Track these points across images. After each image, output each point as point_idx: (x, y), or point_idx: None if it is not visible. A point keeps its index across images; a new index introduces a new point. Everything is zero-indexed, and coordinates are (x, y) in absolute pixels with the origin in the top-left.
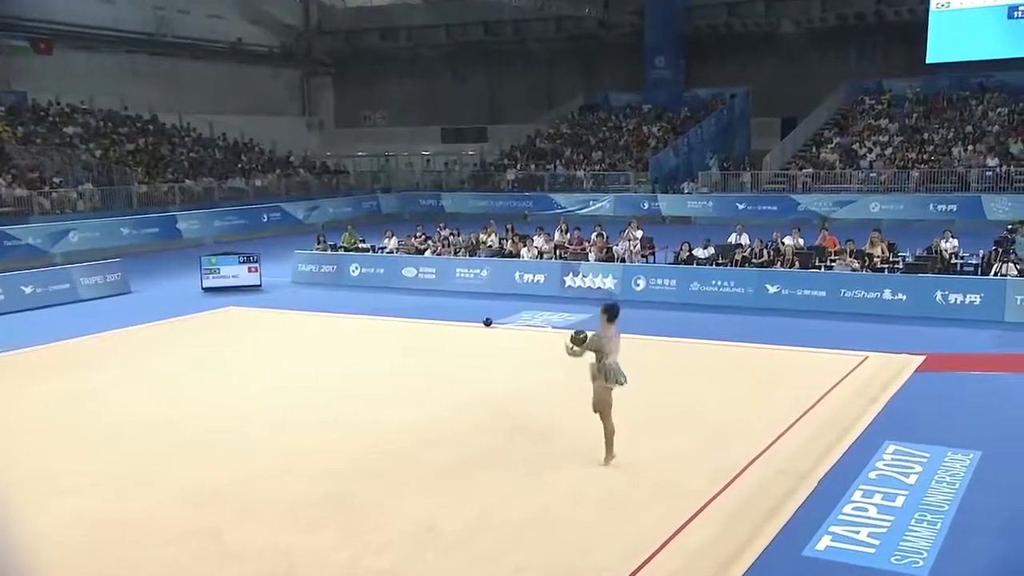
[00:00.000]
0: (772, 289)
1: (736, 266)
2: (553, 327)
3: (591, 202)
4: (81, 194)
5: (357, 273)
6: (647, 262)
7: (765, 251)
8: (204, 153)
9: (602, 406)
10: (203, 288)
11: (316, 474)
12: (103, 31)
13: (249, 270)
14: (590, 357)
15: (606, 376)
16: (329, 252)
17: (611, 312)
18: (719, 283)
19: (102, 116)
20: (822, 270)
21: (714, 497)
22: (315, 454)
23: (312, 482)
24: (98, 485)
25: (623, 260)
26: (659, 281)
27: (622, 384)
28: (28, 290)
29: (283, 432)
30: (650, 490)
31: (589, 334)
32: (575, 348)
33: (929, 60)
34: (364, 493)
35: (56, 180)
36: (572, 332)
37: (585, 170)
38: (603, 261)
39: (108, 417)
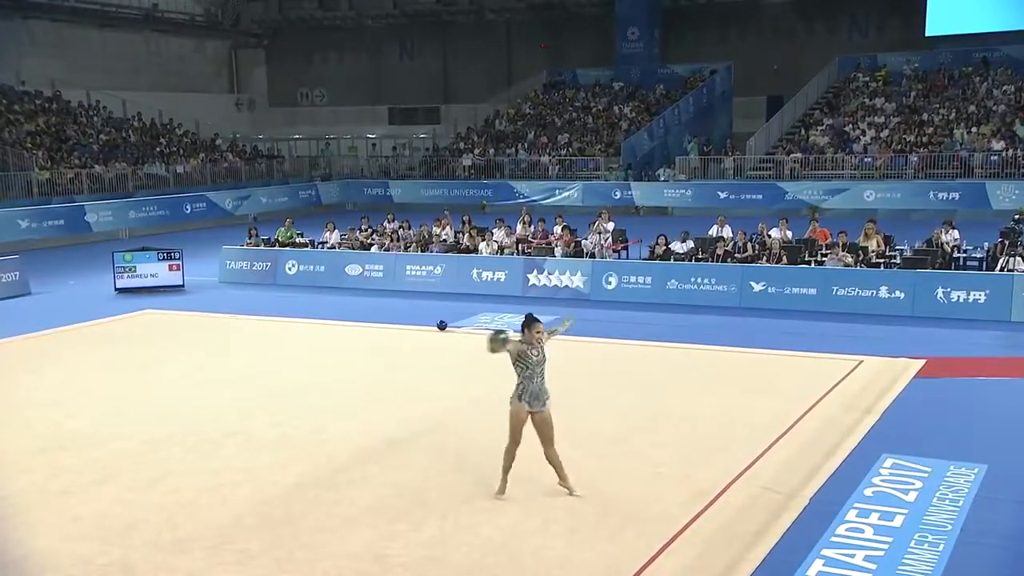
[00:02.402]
0: (757, 287)
1: (718, 262)
2: (515, 331)
3: (557, 191)
4: None
5: (294, 271)
6: (619, 258)
7: (749, 245)
8: (116, 135)
9: (510, 424)
10: (116, 289)
11: (247, 499)
12: None
13: (170, 268)
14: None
15: (520, 393)
16: (262, 247)
17: (525, 319)
18: (699, 280)
19: None
20: (812, 265)
21: (692, 520)
22: (246, 477)
23: (243, 509)
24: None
25: (592, 256)
26: (633, 279)
27: (534, 410)
28: None
29: (208, 452)
30: (622, 513)
31: (511, 334)
32: (493, 346)
33: (928, 33)
34: (303, 520)
35: None
36: (492, 332)
37: (550, 155)
38: (570, 257)
39: (12, 436)
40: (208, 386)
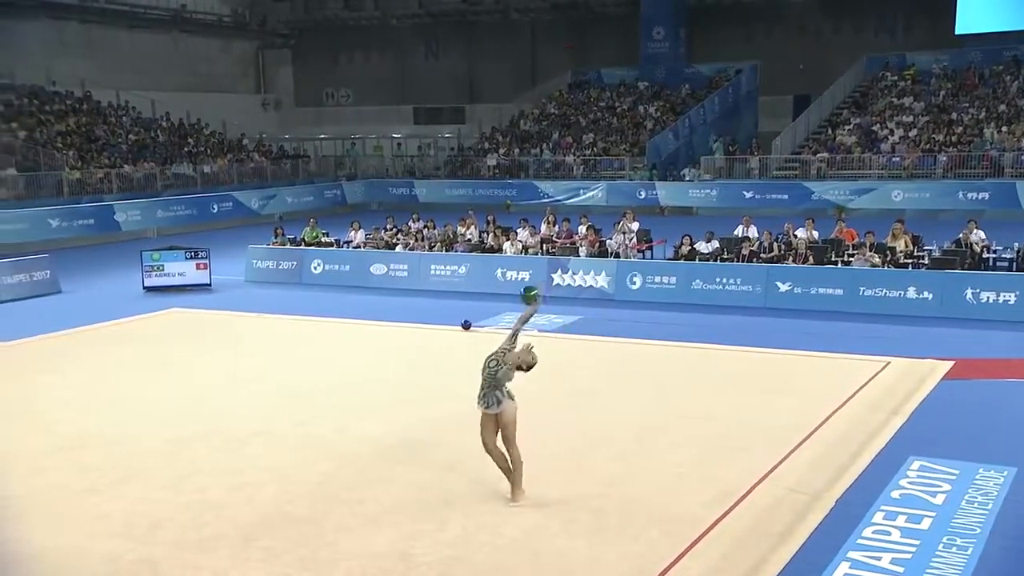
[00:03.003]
0: (783, 287)
1: (743, 262)
2: (539, 330)
3: (581, 191)
4: (3, 180)
5: (319, 270)
6: (644, 257)
7: (775, 245)
8: (145, 135)
9: (514, 427)
10: (144, 287)
11: (272, 498)
12: None
13: (197, 267)
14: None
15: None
16: (288, 247)
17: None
18: (724, 280)
19: (25, 92)
20: (838, 266)
21: (717, 521)
22: (271, 476)
23: (267, 507)
24: (20, 513)
25: (617, 255)
26: (657, 279)
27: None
28: None
29: (233, 451)
30: (645, 514)
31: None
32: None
33: (958, 31)
34: (327, 519)
35: None
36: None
37: (575, 155)
38: (595, 257)
39: (30, 435)
40: (233, 385)
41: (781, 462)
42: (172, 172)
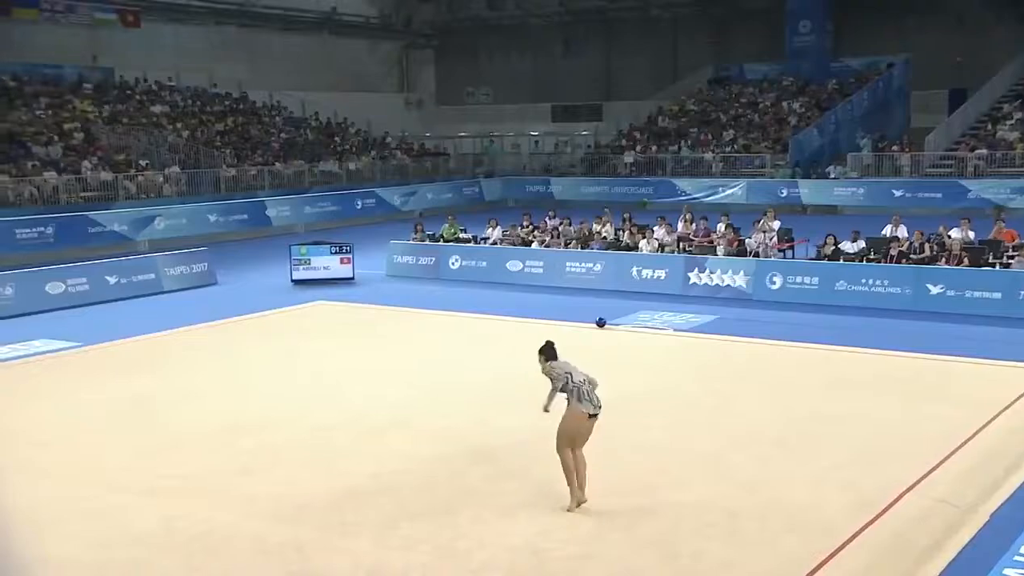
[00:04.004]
0: (935, 290)
1: (891, 262)
2: (675, 329)
3: (720, 188)
4: (167, 178)
5: (457, 266)
6: (784, 257)
7: (927, 245)
8: (295, 133)
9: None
10: (292, 280)
11: (410, 488)
12: (191, 2)
13: (341, 261)
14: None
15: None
16: (427, 243)
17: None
18: (870, 282)
19: (189, 94)
20: (996, 268)
21: (860, 530)
22: (409, 466)
23: (406, 496)
24: (180, 492)
25: (756, 255)
26: (798, 279)
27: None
28: (112, 280)
29: (374, 441)
30: (784, 519)
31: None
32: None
33: None
34: (463, 510)
35: (143, 163)
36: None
37: (714, 152)
38: (733, 256)
39: (189, 420)
40: (375, 376)
41: (930, 472)
42: (319, 169)
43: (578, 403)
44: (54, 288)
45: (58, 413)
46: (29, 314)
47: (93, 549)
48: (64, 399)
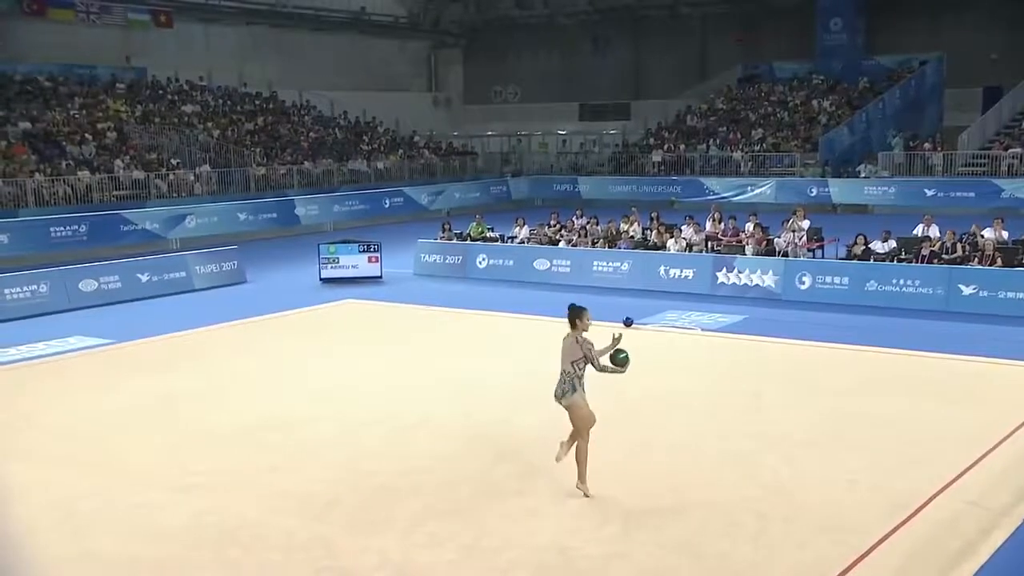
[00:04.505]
0: (967, 290)
1: (923, 262)
2: (702, 329)
3: (749, 187)
4: (198, 177)
5: (484, 265)
6: (814, 257)
7: (959, 245)
8: (324, 132)
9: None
10: (321, 279)
11: (437, 485)
12: (223, 2)
13: (369, 260)
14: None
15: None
16: (455, 242)
17: (577, 310)
18: (901, 282)
19: (220, 93)
20: None
21: (890, 533)
22: (435, 463)
23: (433, 494)
24: (210, 488)
25: (785, 254)
26: (828, 279)
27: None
28: (144, 278)
29: (401, 439)
30: (813, 521)
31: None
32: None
33: None
34: (489, 509)
35: (174, 162)
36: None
37: (743, 151)
38: (762, 255)
39: (218, 417)
40: (402, 374)
41: (962, 474)
42: (348, 168)
43: (583, 391)
44: (87, 286)
45: (90, 409)
46: (63, 311)
47: (124, 544)
48: (96, 395)
